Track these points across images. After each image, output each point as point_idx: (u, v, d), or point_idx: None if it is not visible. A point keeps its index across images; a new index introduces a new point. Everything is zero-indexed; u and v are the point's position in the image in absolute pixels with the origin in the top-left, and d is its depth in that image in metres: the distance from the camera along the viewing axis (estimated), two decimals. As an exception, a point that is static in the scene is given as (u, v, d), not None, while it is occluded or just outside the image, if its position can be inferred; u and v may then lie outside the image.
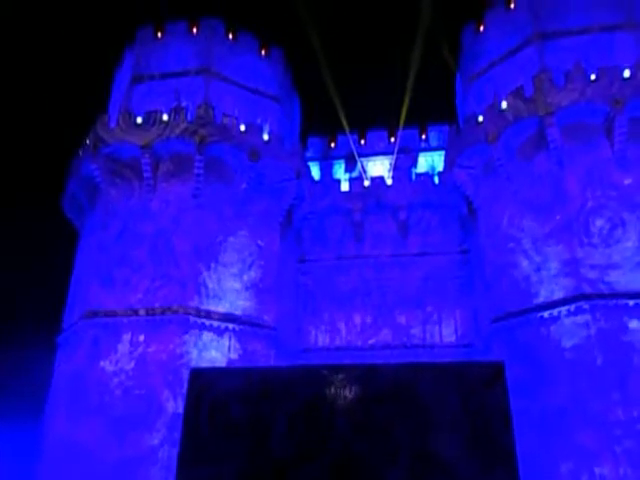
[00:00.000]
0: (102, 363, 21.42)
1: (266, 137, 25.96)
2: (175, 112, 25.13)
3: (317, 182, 30.13)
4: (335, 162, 32.26)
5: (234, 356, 22.42)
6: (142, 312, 22.16)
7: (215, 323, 22.45)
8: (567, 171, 22.42)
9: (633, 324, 19.46)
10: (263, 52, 30.92)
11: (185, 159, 24.86)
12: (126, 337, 21.81)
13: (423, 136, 32.13)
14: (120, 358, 21.42)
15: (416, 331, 25.87)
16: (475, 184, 25.35)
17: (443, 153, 28.49)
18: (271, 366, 22.21)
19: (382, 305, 26.64)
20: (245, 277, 24.19)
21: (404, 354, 24.89)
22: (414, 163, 30.95)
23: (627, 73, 22.31)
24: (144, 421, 20.15)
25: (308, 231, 28.99)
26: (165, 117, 25.14)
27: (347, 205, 28.38)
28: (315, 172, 31.63)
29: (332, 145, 32.82)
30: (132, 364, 21.24)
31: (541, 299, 21.27)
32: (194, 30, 29.91)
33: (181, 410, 12.27)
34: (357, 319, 26.64)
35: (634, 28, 25.06)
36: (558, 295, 20.86)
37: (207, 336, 22.17)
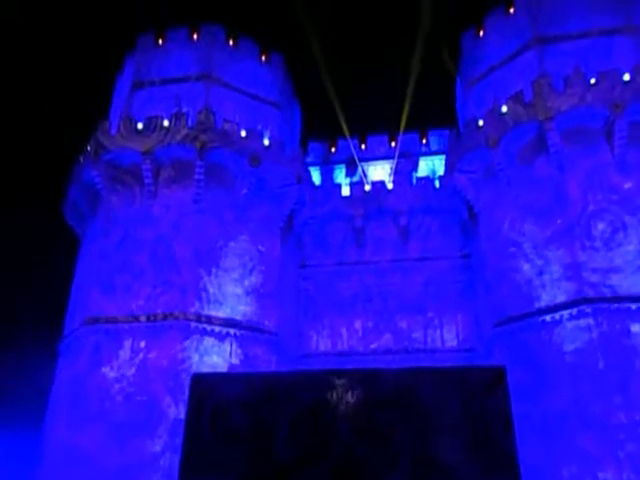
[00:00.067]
0: (103, 369, 21.39)
1: (267, 142, 26.02)
2: (176, 118, 25.21)
3: (318, 187, 30.17)
4: (336, 167, 32.31)
5: (235, 361, 22.38)
6: (143, 318, 22.14)
7: (216, 328, 22.42)
8: (567, 175, 22.43)
9: (635, 328, 19.41)
10: (263, 58, 31.04)
11: (186, 165, 24.90)
12: (127, 343, 21.78)
13: (424, 140, 32.19)
14: (121, 364, 21.39)
15: (417, 336, 25.83)
16: (476, 188, 25.36)
17: (444, 157, 28.53)
18: (273, 371, 22.17)
19: (383, 310, 26.60)
20: (246, 282, 24.18)
21: (406, 359, 24.84)
22: (415, 167, 31.00)
23: (627, 77, 22.36)
24: (145, 427, 20.10)
25: (309, 236, 28.99)
26: (166, 123, 25.21)
27: (348, 210, 28.40)
28: (316, 177, 31.67)
29: (333, 150, 32.88)
30: (133, 370, 21.20)
31: (543, 303, 21.23)
32: (194, 36, 30.04)
33: (182, 416, 12.25)
34: (358, 324, 26.60)
35: (633, 32, 25.12)
36: (560, 299, 20.82)
37: (208, 341, 22.14)
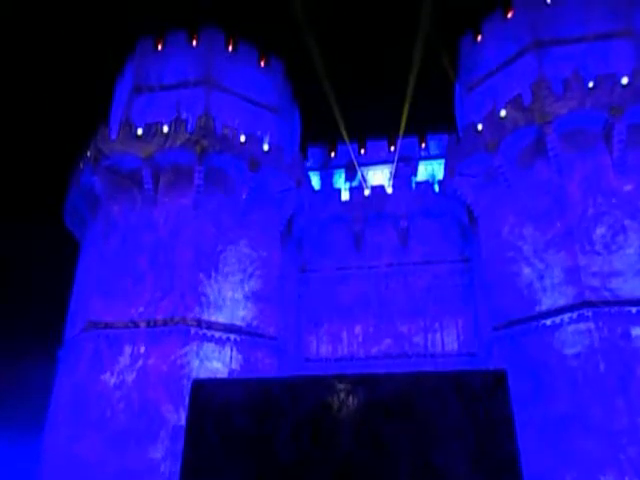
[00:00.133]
0: (103, 375, 21.35)
1: (266, 147, 26.06)
2: (175, 123, 25.25)
3: (317, 192, 30.20)
4: (335, 171, 32.36)
5: (235, 367, 22.34)
6: (143, 324, 22.11)
7: (216, 334, 22.39)
8: (567, 178, 22.46)
9: (636, 331, 19.39)
10: (263, 63, 31.11)
11: (185, 170, 24.92)
12: (127, 349, 21.74)
13: (423, 145, 32.27)
14: (121, 370, 21.35)
15: (418, 340, 25.80)
16: (475, 192, 25.37)
17: (443, 161, 28.57)
18: (273, 376, 22.11)
19: (383, 314, 26.58)
20: (246, 287, 24.16)
21: (406, 363, 24.81)
22: (414, 172, 31.05)
23: (625, 80, 22.41)
24: (146, 434, 20.04)
25: (309, 241, 29.00)
26: (165, 129, 25.25)
27: (348, 214, 28.41)
28: (315, 182, 31.71)
29: (332, 154, 32.95)
30: (133, 376, 21.16)
31: (543, 307, 21.21)
32: (194, 41, 30.13)
33: (183, 422, 12.16)
34: (358, 329, 26.57)
35: (631, 36, 25.21)
36: (560, 302, 20.80)
37: (208, 347, 22.11)
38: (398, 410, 3.78)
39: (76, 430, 20.49)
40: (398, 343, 25.89)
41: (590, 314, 19.89)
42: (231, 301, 23.47)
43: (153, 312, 22.32)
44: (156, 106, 27.96)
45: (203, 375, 20.82)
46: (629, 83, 22.32)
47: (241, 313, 23.53)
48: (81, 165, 26.64)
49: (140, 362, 21.42)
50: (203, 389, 4.17)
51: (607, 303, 19.96)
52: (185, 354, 21.49)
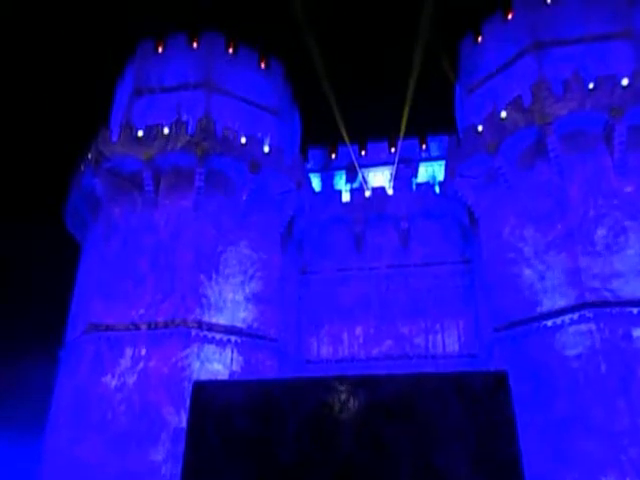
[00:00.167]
0: (104, 377, 21.34)
1: (266, 149, 26.08)
2: (176, 126, 25.28)
3: (318, 193, 30.21)
4: (336, 173, 32.37)
5: (236, 368, 22.33)
6: (144, 326, 22.11)
7: (217, 335, 22.38)
8: (568, 180, 22.45)
9: (637, 332, 19.37)
10: (263, 65, 31.15)
11: (186, 172, 24.94)
12: (128, 351, 21.74)
13: (423, 146, 32.28)
14: (122, 372, 21.34)
15: (419, 341, 25.78)
16: (476, 193, 25.37)
17: (443, 163, 28.58)
18: (274, 378, 22.08)
19: (384, 316, 26.57)
20: (247, 289, 24.16)
21: (407, 365, 24.79)
22: (415, 173, 31.05)
23: (625, 81, 22.41)
24: (147, 436, 20.03)
25: (309, 242, 29.00)
26: (166, 131, 25.28)
27: (348, 216, 28.42)
28: (316, 183, 31.72)
29: (333, 156, 32.96)
30: (134, 378, 21.15)
31: (544, 308, 21.20)
32: (194, 44, 30.17)
33: (184, 424, 12.15)
34: (359, 330, 26.55)
35: (631, 37, 25.22)
36: (561, 304, 20.79)
37: (209, 349, 22.10)
38: (399, 411, 3.79)
39: (77, 432, 20.48)
40: (399, 344, 25.88)
41: (591, 315, 19.88)
42: (232, 303, 23.47)
43: (154, 314, 22.32)
44: (156, 108, 27.99)
45: (204, 377, 20.82)
46: (629, 84, 22.32)
47: (242, 315, 23.53)
48: (82, 167, 26.68)
49: (141, 364, 21.42)
50: (204, 391, 4.17)
51: (608, 304, 19.95)
52: (186, 356, 21.49)
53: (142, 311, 22.45)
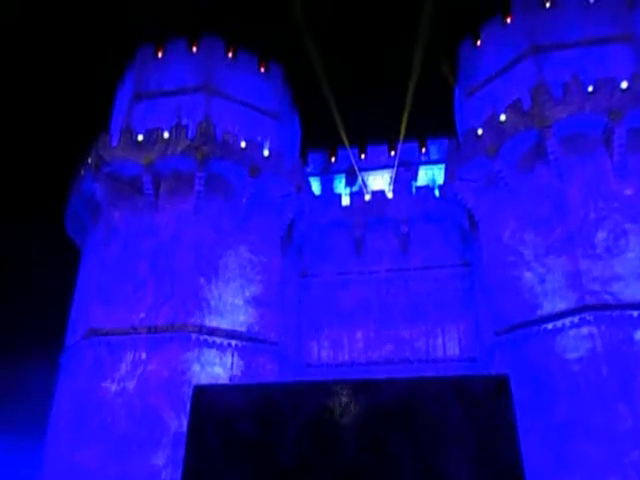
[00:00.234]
0: (104, 382, 21.31)
1: (266, 153, 26.10)
2: (176, 130, 25.30)
3: (318, 197, 30.22)
4: (336, 177, 32.39)
5: (237, 372, 22.30)
6: (144, 330, 22.08)
7: (217, 339, 22.35)
8: (567, 183, 22.46)
9: (638, 335, 19.34)
10: (262, 69, 31.21)
11: (186, 176, 24.96)
12: (128, 355, 21.71)
13: (423, 150, 32.31)
14: (122, 377, 21.31)
15: (419, 345, 25.74)
16: (476, 197, 25.38)
17: (443, 166, 28.59)
18: (275, 382, 22.07)
19: (384, 320, 26.53)
20: (247, 293, 24.15)
21: (407, 369, 24.75)
22: (414, 176, 31.06)
23: (625, 84, 22.45)
24: (148, 440, 19.98)
25: (309, 246, 28.99)
26: (166, 135, 25.31)
27: (348, 219, 28.42)
28: (316, 187, 31.73)
29: (332, 160, 32.99)
30: (134, 382, 21.11)
31: (544, 311, 21.17)
32: (194, 48, 30.24)
33: (184, 429, 12.12)
34: (359, 334, 26.52)
35: (631, 40, 25.27)
36: (562, 307, 20.77)
37: (209, 353, 22.07)
38: (399, 415, 3.78)
39: (77, 437, 20.43)
40: (399, 348, 25.84)
41: (592, 318, 19.85)
42: (232, 306, 23.45)
43: (154, 318, 22.30)
44: (156, 113, 28.04)
45: (204, 381, 20.78)
46: (628, 87, 22.35)
47: (242, 319, 23.50)
48: (82, 172, 26.69)
49: (141, 369, 21.39)
50: (204, 395, 4.17)
51: (609, 307, 19.93)
52: (186, 360, 21.46)
53: (142, 315, 22.42)
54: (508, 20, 28.24)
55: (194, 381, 20.54)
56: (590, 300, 20.19)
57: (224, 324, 22.88)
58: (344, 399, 3.86)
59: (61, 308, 26.63)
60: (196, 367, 21.46)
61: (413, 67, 34.23)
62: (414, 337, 25.93)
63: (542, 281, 21.69)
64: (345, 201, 29.49)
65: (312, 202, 28.74)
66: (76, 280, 26.65)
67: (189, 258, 23.50)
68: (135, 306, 22.69)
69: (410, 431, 3.66)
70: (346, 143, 31.92)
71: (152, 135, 25.30)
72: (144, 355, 21.60)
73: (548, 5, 27.30)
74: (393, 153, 32.07)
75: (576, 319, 20.14)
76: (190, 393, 4.28)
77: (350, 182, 31.82)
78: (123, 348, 21.87)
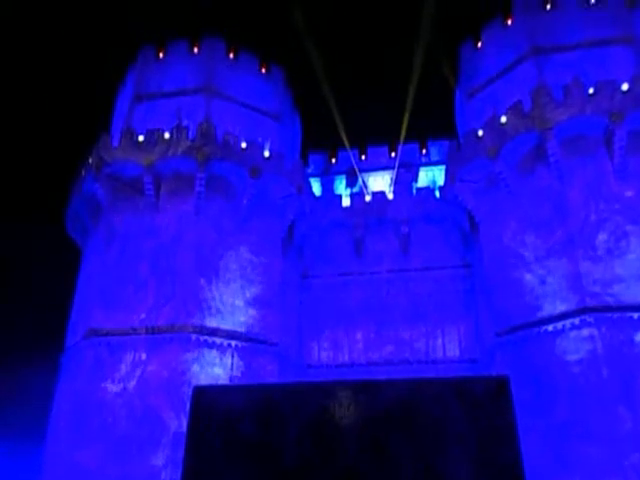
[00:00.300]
0: (104, 382, 21.30)
1: (267, 154, 26.11)
2: (177, 130, 25.31)
3: (318, 198, 30.22)
4: (336, 178, 32.40)
5: (237, 373, 22.29)
6: (144, 330, 22.08)
7: (217, 340, 22.35)
8: (568, 184, 22.47)
9: (639, 337, 19.32)
10: (263, 70, 31.24)
11: (187, 177, 24.97)
12: (128, 356, 21.71)
13: (423, 151, 32.31)
14: (122, 377, 21.30)
15: (419, 346, 25.73)
16: (476, 198, 25.38)
17: (444, 167, 28.60)
18: (275, 383, 22.08)
19: (385, 321, 26.53)
20: (247, 293, 24.15)
21: (408, 370, 24.74)
22: (415, 178, 31.07)
23: (625, 86, 22.45)
24: (148, 441, 19.97)
25: (310, 247, 28.99)
26: (167, 135, 25.32)
27: (348, 220, 28.42)
28: (316, 188, 31.74)
29: (333, 161, 33.00)
30: (134, 383, 21.11)
31: (545, 313, 21.16)
32: (195, 49, 30.26)
33: (184, 429, 12.16)
34: (360, 335, 26.52)
35: (631, 42, 25.27)
36: (562, 308, 20.75)
37: (209, 353, 22.07)
38: (400, 416, 3.78)
39: (77, 438, 20.42)
40: (399, 349, 25.83)
41: (592, 320, 19.84)
42: (232, 307, 23.45)
43: (154, 319, 22.30)
44: (157, 114, 28.05)
45: (204, 382, 20.78)
46: (629, 89, 22.36)
47: (242, 319, 23.50)
48: (83, 172, 26.70)
49: (141, 369, 21.38)
50: (204, 396, 4.17)
51: (609, 309, 19.91)
52: (186, 361, 21.45)
53: (143, 316, 22.42)
54: (509, 22, 28.26)
55: (194, 382, 20.53)
56: (591, 302, 20.17)
57: (224, 325, 22.88)
58: (344, 400, 3.86)
59: (61, 308, 26.63)
60: (196, 368, 21.46)
61: (414, 68, 34.26)
62: (414, 338, 25.92)
63: (543, 283, 21.68)
64: (345, 202, 29.49)
65: (313, 203, 28.74)
66: (76, 280, 26.64)
67: (190, 259, 23.50)
68: (136, 307, 22.69)
69: (410, 432, 3.66)
70: (347, 144, 31.93)
71: (153, 136, 25.31)
72: (144, 356, 21.60)
73: (549, 7, 27.33)
74: (393, 154, 32.08)
75: (577, 321, 20.13)
76: (190, 393, 4.27)
77: (350, 183, 31.82)
78: (123, 348, 21.87)
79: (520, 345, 21.47)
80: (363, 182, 31.24)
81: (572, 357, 19.88)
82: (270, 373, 23.05)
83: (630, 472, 17.47)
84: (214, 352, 22.17)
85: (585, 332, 19.88)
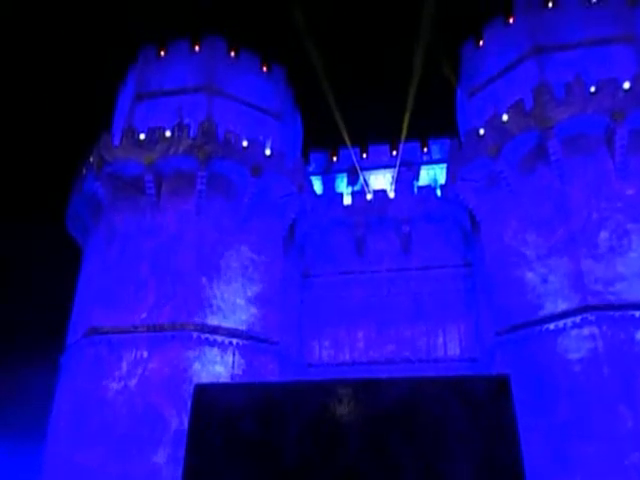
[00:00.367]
0: (105, 381, 21.32)
1: (268, 152, 26.10)
2: (178, 129, 25.30)
3: (319, 196, 30.20)
4: (337, 176, 32.38)
5: (238, 371, 22.31)
6: (145, 329, 22.10)
7: (219, 338, 22.38)
8: (569, 183, 22.46)
9: None
10: (264, 69, 31.22)
11: (188, 175, 24.97)
12: (129, 354, 21.73)
13: (425, 149, 32.28)
14: (123, 375, 21.33)
15: (420, 345, 25.74)
16: (477, 197, 25.38)
17: (445, 166, 28.58)
18: (276, 381, 22.09)
19: (386, 320, 26.54)
20: (248, 292, 24.17)
21: (408, 368, 24.75)
22: (416, 176, 31.04)
23: (627, 85, 22.42)
24: (149, 439, 20.00)
25: (311, 246, 29.00)
26: (168, 134, 25.32)
27: (350, 219, 28.41)
28: (317, 186, 31.73)
29: (334, 159, 32.98)
30: (135, 381, 21.14)
31: (546, 311, 21.16)
32: (196, 48, 30.25)
33: (186, 427, 12.19)
34: (361, 334, 26.53)
35: (633, 41, 25.24)
36: (563, 307, 20.75)
37: (210, 352, 22.09)
38: (401, 416, 3.78)
39: (78, 436, 20.45)
40: (400, 348, 25.84)
41: (593, 318, 19.84)
42: (233, 306, 23.47)
43: (155, 317, 22.32)
44: (158, 112, 28.04)
45: (205, 380, 20.80)
46: (631, 88, 22.32)
47: (243, 318, 23.52)
48: (84, 171, 26.70)
49: (142, 367, 21.41)
50: (205, 394, 4.18)
51: (611, 307, 19.90)
52: (187, 359, 21.48)
53: (144, 314, 22.44)
54: (510, 20, 28.22)
55: (195, 380, 20.54)
56: (592, 300, 20.17)
57: (226, 323, 22.90)
58: (345, 399, 3.86)
59: (61, 308, 26.62)
60: (197, 366, 21.49)
61: (415, 67, 34.23)
62: (415, 337, 25.93)
63: (544, 281, 21.68)
64: (347, 200, 29.48)
65: (314, 201, 28.73)
66: (77, 280, 26.66)
67: (191, 257, 23.52)
68: (137, 305, 22.71)
69: (411, 431, 3.67)
70: (348, 142, 31.92)
71: (154, 134, 25.31)
72: (145, 354, 21.62)
73: (550, 5, 27.28)
74: (395, 153, 32.05)
75: (578, 319, 20.12)
76: (191, 391, 4.28)
77: (352, 181, 31.81)
78: (124, 346, 21.89)
79: (521, 344, 21.47)
80: (364, 180, 31.22)
81: (573, 356, 19.88)
82: (271, 371, 23.08)
83: (631, 471, 17.48)
84: (215, 350, 22.19)
85: (586, 331, 19.88)
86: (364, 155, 32.57)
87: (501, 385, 3.89)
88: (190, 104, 28.10)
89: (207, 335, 22.17)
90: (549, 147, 22.61)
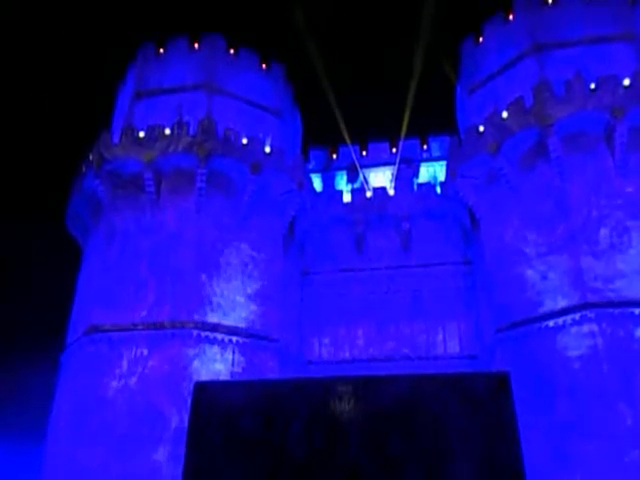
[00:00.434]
0: (105, 379, 21.33)
1: (268, 150, 26.08)
2: (178, 127, 25.28)
3: (319, 194, 30.19)
4: (337, 173, 32.36)
5: (238, 369, 22.33)
6: (145, 326, 22.11)
7: (219, 336, 22.39)
8: (569, 180, 22.45)
9: (639, 333, 19.33)
10: (264, 66, 31.18)
11: (187, 173, 24.95)
12: (129, 352, 21.74)
13: (424, 146, 32.25)
14: (123, 374, 21.33)
15: (420, 343, 25.76)
16: (477, 194, 25.37)
17: (445, 163, 28.55)
18: (276, 379, 22.10)
19: (385, 317, 26.55)
20: (248, 290, 24.18)
21: (408, 366, 24.76)
22: (416, 173, 31.03)
23: (627, 82, 22.40)
24: (149, 437, 20.01)
25: (311, 243, 28.99)
26: (167, 132, 25.29)
27: (349, 216, 28.41)
28: (317, 184, 31.72)
29: (334, 156, 32.96)
30: (135, 379, 21.15)
31: (546, 308, 21.17)
32: (195, 46, 30.20)
33: (186, 424, 12.21)
34: (360, 331, 26.54)
35: (632, 39, 25.22)
36: (563, 304, 20.77)
37: (210, 349, 22.11)
38: (400, 413, 3.78)
39: (78, 434, 20.46)
40: (400, 345, 25.86)
41: (593, 316, 19.85)
42: (233, 303, 23.48)
43: (155, 315, 22.32)
44: (158, 110, 28.01)
45: (205, 377, 20.83)
46: (631, 85, 22.30)
47: (243, 315, 23.54)
48: (83, 170, 26.68)
49: (142, 365, 21.42)
50: (205, 391, 4.17)
51: (610, 304, 19.91)
52: (187, 356, 21.49)
53: (144, 313, 22.44)
54: (510, 18, 28.17)
55: (195, 377, 20.54)
56: (592, 297, 20.18)
57: (225, 321, 22.92)
58: (345, 396, 3.86)
59: (61, 308, 26.60)
60: (197, 363, 21.50)
61: (414, 64, 34.19)
62: (415, 334, 25.94)
63: (544, 278, 21.69)
64: (346, 198, 29.47)
65: (313, 199, 28.72)
66: (77, 279, 26.66)
67: (190, 255, 23.51)
68: (137, 304, 22.71)
69: (410, 429, 3.66)
70: (347, 140, 31.89)
71: (153, 132, 25.29)
72: (145, 351, 21.63)
73: (550, 3, 27.24)
74: (394, 150, 32.02)
75: (577, 316, 20.14)
76: (191, 389, 4.29)
77: (351, 179, 31.79)
78: (124, 344, 21.90)
79: (521, 341, 21.49)
80: (364, 178, 31.21)
81: (573, 353, 19.90)
82: (271, 369, 23.10)
83: (630, 468, 17.50)
84: (215, 348, 22.21)
85: (586, 328, 19.89)
86: (364, 152, 32.55)
87: (501, 382, 3.89)
88: (190, 102, 28.07)
89: (207, 333, 22.18)
90: (549, 144, 22.60)
